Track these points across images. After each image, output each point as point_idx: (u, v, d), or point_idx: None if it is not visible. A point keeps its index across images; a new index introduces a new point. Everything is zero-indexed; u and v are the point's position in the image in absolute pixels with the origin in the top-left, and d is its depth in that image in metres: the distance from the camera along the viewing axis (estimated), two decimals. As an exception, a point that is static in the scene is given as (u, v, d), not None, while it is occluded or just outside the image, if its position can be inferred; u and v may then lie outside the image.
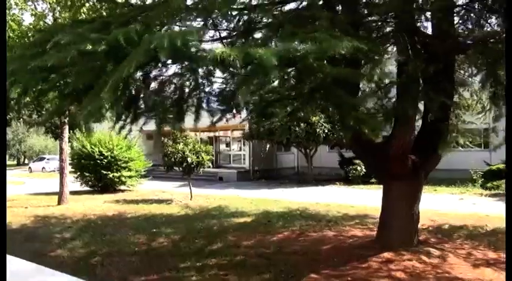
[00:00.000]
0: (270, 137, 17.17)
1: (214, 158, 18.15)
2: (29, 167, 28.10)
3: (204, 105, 5.30)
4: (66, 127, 11.70)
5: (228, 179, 19.77)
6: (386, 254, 5.81)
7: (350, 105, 3.81)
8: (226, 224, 8.94)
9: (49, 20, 10.89)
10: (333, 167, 21.46)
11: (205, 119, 6.09)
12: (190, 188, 13.10)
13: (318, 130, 16.33)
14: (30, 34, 9.66)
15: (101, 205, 11.82)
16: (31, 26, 10.54)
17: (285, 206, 11.43)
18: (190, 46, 2.68)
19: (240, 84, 2.83)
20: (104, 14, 7.71)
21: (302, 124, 16.12)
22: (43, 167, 27.69)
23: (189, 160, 12.16)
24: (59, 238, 7.64)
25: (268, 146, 21.59)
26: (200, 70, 3.80)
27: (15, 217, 9.53)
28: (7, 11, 10.60)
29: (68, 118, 11.78)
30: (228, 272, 5.48)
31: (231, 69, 3.81)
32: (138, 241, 7.42)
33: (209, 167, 13.24)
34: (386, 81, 4.62)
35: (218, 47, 3.12)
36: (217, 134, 23.30)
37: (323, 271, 5.44)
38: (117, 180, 15.11)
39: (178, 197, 13.60)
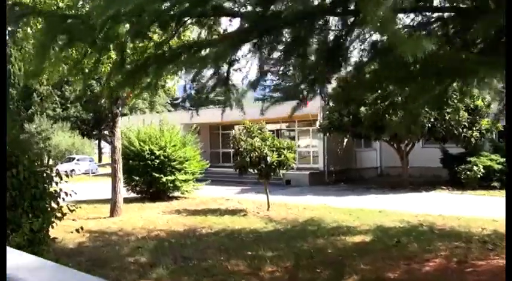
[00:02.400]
0: (357, 129, 15.93)
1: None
2: (57, 170, 28.39)
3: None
4: (119, 119, 11.10)
5: (297, 182, 18.75)
6: None
7: None
8: (340, 244, 7.94)
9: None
10: (429, 166, 19.93)
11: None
12: (267, 196, 12.21)
13: (421, 119, 14.86)
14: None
15: (161, 217, 11.19)
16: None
17: (399, 218, 10.36)
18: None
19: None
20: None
21: (400, 112, 14.73)
22: (72, 170, 27.89)
23: (268, 159, 11.21)
24: (133, 263, 6.89)
25: (345, 140, 20.41)
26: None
27: (67, 233, 8.94)
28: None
29: (121, 107, 11.22)
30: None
31: None
32: (237, 268, 6.53)
33: (292, 168, 12.25)
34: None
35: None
36: (278, 126, 22.35)
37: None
38: (171, 185, 14.49)
39: (249, 206, 12.90)
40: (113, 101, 10.36)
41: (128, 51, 4.42)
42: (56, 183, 4.80)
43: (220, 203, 13.88)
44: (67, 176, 4.85)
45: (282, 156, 11.43)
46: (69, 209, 5.36)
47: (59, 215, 5.02)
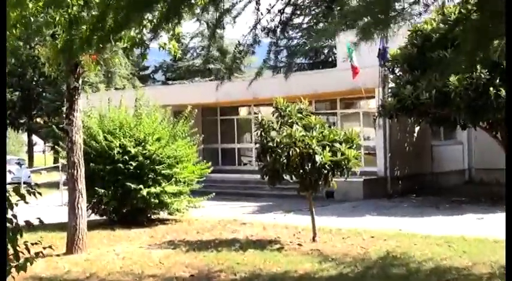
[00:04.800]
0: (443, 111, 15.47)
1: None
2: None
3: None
4: (79, 98, 10.49)
5: (345, 195, 18.20)
6: None
7: None
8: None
9: None
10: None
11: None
12: (313, 218, 11.71)
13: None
14: None
15: (149, 254, 10.70)
16: None
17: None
18: None
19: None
20: None
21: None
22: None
23: (317, 158, 10.62)
24: None
25: (416, 130, 20.04)
26: None
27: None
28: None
29: (79, 81, 10.61)
30: None
31: None
32: None
33: (354, 174, 11.73)
34: None
35: None
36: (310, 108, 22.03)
37: None
38: (155, 201, 13.98)
39: (281, 233, 12.68)
40: (71, 69, 9.75)
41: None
42: (11, 206, 4.13)
43: (234, 229, 13.54)
44: (31, 193, 4.18)
45: (338, 154, 10.87)
46: (27, 249, 4.90)
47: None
